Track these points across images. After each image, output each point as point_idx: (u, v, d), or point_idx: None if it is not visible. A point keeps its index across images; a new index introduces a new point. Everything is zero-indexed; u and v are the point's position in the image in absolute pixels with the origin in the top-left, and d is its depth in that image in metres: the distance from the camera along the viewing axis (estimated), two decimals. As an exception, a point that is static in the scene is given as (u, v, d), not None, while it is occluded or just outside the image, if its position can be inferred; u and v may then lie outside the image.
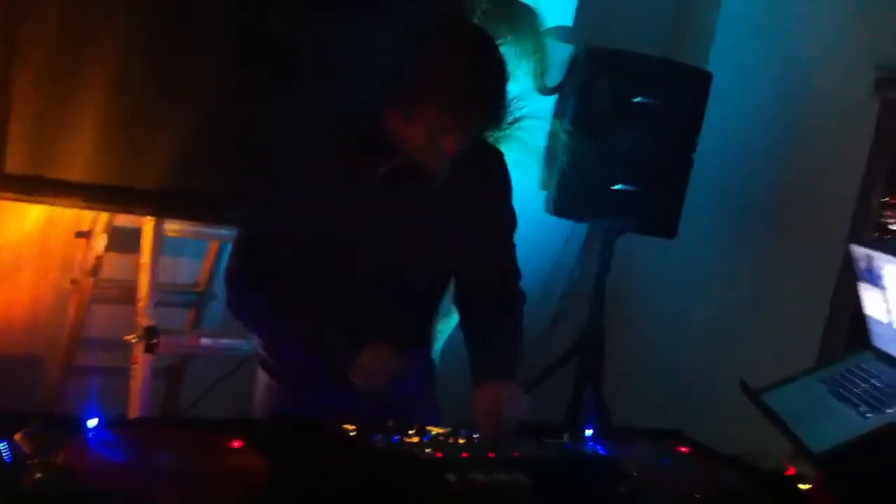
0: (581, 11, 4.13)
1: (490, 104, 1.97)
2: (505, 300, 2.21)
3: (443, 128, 1.92)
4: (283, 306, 2.10)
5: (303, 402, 2.07)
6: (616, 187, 3.64)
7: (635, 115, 3.64)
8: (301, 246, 2.05)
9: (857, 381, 2.33)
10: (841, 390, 2.31)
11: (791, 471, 1.95)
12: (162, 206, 3.02)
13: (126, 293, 3.19)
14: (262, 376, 2.23)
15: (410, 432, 1.78)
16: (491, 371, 2.04)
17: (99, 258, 3.16)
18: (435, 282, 2.21)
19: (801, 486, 1.89)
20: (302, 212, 2.03)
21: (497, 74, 1.97)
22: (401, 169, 2.01)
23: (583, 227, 4.25)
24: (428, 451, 1.72)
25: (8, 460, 1.43)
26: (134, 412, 2.91)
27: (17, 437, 1.48)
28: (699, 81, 3.71)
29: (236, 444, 1.64)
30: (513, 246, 2.24)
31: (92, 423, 1.57)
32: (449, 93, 1.90)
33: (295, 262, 2.06)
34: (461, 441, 1.78)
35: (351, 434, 1.76)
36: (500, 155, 2.23)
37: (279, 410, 2.15)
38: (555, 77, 3.84)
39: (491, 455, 1.75)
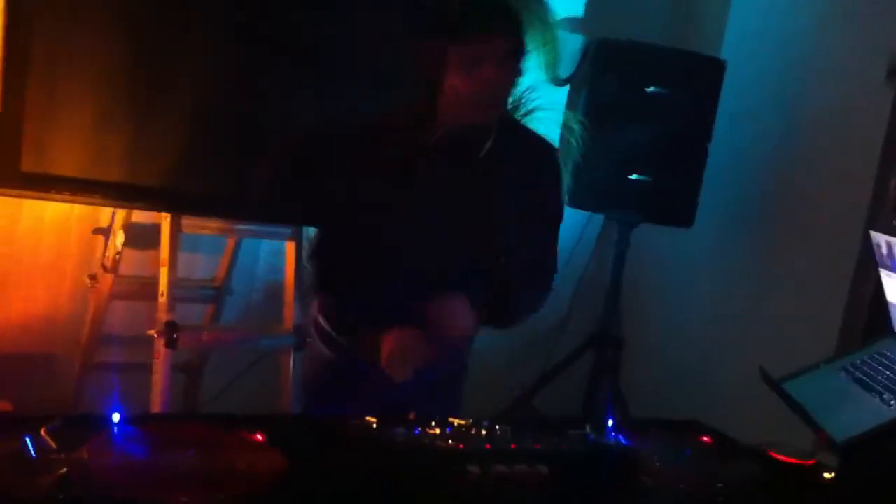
0: (592, 2, 4.12)
1: (504, 22, 2.03)
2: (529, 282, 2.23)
3: (476, 57, 1.97)
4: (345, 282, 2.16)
5: (349, 374, 2.13)
6: (631, 178, 3.64)
7: (648, 106, 3.63)
8: (359, 231, 2.10)
9: (879, 368, 2.32)
10: (864, 378, 2.29)
11: (812, 460, 1.94)
12: (179, 202, 3.03)
13: (144, 289, 3.21)
14: (316, 344, 2.28)
15: (432, 424, 1.78)
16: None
17: (117, 255, 3.17)
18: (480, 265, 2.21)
19: (823, 475, 1.88)
20: (363, 199, 2.08)
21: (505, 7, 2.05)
22: (449, 137, 2.05)
23: (598, 219, 4.24)
24: (450, 442, 1.72)
25: (34, 456, 1.44)
26: (155, 407, 2.92)
27: (42, 432, 1.49)
28: (712, 70, 3.69)
29: (256, 439, 1.65)
30: (554, 240, 2.28)
31: (115, 418, 1.57)
32: (468, 17, 1.97)
33: (354, 245, 2.11)
34: (483, 432, 1.78)
35: (372, 427, 1.76)
36: (553, 149, 2.25)
37: (325, 380, 2.22)
38: (566, 68, 3.84)
39: (512, 446, 1.75)
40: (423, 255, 2.10)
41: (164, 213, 3.05)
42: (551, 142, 2.33)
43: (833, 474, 1.87)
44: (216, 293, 3.59)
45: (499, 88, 2.05)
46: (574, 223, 4.14)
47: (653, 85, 3.62)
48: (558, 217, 2.28)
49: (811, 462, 1.93)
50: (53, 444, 1.47)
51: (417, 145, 2.07)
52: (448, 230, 2.11)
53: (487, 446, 1.73)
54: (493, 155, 2.10)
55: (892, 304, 2.52)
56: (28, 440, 1.47)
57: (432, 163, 2.08)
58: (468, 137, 2.09)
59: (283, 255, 3.29)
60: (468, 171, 2.11)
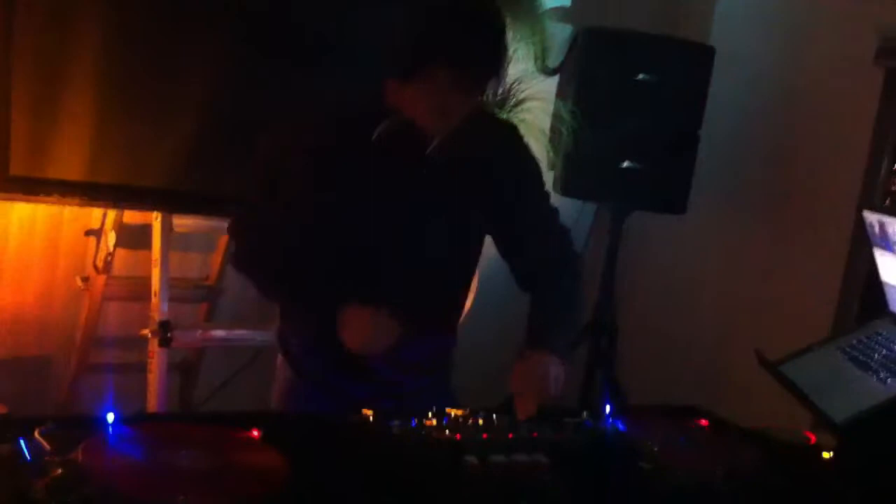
0: (579, -9, 4.11)
1: (490, 56, 1.94)
2: (555, 267, 2.19)
3: (444, 88, 1.88)
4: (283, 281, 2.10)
5: (317, 391, 2.08)
6: (623, 165, 3.63)
7: (638, 93, 3.63)
8: (303, 223, 2.03)
9: (875, 347, 2.32)
10: (860, 358, 2.30)
11: (811, 440, 1.94)
12: (169, 201, 3.02)
13: (138, 289, 3.20)
14: (280, 365, 2.23)
15: (429, 415, 1.77)
16: (530, 342, 2.06)
17: (109, 255, 3.16)
18: (448, 259, 2.15)
19: (822, 455, 1.88)
20: (302, 189, 2.01)
21: (494, 25, 1.94)
22: (397, 133, 1.97)
23: (591, 207, 4.23)
24: (446, 433, 1.72)
25: (28, 459, 1.43)
26: (151, 407, 2.92)
27: (35, 435, 1.48)
28: (701, 57, 3.69)
29: (253, 437, 1.64)
30: (553, 212, 2.22)
31: (109, 419, 1.56)
32: (448, 48, 1.87)
33: (297, 238, 2.04)
34: (480, 423, 1.77)
35: (369, 420, 1.76)
36: (514, 129, 2.21)
37: (295, 399, 2.15)
38: (556, 58, 3.83)
39: (510, 436, 1.75)
40: (373, 257, 2.05)
41: (155, 213, 3.04)
42: (516, 127, 2.26)
43: (831, 454, 1.87)
44: (209, 292, 3.58)
45: (458, 112, 1.95)
46: (567, 212, 4.12)
47: (642, 72, 3.61)
48: (545, 190, 2.24)
49: (809, 443, 1.93)
50: (48, 447, 1.45)
51: (360, 139, 1.99)
52: (398, 229, 2.05)
53: (485, 436, 1.72)
54: (445, 149, 2.00)
55: (886, 283, 2.52)
56: (22, 442, 1.46)
57: (375, 159, 1.99)
58: (413, 136, 1.98)
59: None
60: (416, 169, 2.02)
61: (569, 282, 2.19)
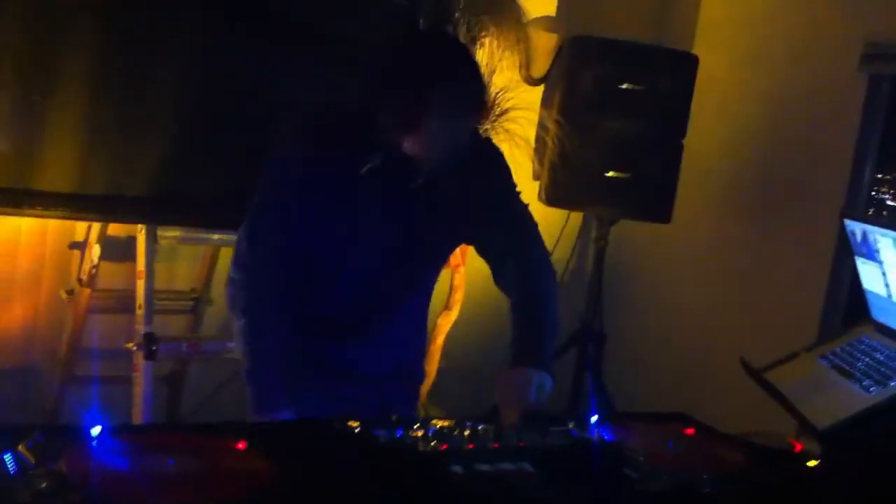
0: (564, 0, 4.13)
1: (477, 99, 2.01)
2: (530, 285, 2.25)
3: (435, 134, 1.94)
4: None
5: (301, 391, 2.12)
6: (608, 174, 3.64)
7: (623, 102, 3.64)
8: (295, 237, 2.09)
9: (858, 355, 2.33)
10: (843, 365, 2.30)
11: (798, 448, 1.95)
12: (154, 213, 3.02)
13: (123, 302, 3.19)
14: None
15: (415, 426, 1.77)
16: (515, 359, 2.14)
17: (94, 268, 3.15)
18: (424, 271, 2.25)
19: (807, 463, 1.89)
20: (296, 207, 2.06)
21: (474, 70, 2.02)
22: (388, 164, 2.01)
23: (577, 216, 4.25)
24: (433, 444, 1.72)
25: (13, 472, 1.42)
26: (137, 419, 2.90)
27: (20, 447, 1.47)
28: (685, 65, 3.71)
29: (239, 447, 1.64)
30: (533, 229, 2.27)
31: (95, 431, 1.56)
32: (438, 106, 1.91)
33: (289, 253, 2.11)
34: (465, 433, 1.77)
35: (354, 430, 1.76)
36: (497, 151, 2.26)
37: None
38: (541, 67, 3.84)
39: (496, 445, 1.75)
40: (360, 270, 2.12)
41: (139, 225, 3.03)
42: (495, 145, 2.31)
43: (816, 462, 1.87)
44: (195, 303, 3.57)
45: (449, 147, 1.99)
46: (554, 221, 4.15)
47: (627, 81, 3.63)
48: (527, 210, 2.28)
49: (794, 450, 1.93)
50: (32, 459, 1.45)
51: (356, 165, 2.03)
52: (389, 242, 2.10)
53: (470, 446, 1.72)
54: (433, 175, 2.05)
55: (868, 290, 2.54)
56: (6, 456, 1.45)
57: (371, 181, 2.03)
58: (402, 167, 2.02)
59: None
60: (405, 196, 2.07)
61: (548, 296, 2.26)
